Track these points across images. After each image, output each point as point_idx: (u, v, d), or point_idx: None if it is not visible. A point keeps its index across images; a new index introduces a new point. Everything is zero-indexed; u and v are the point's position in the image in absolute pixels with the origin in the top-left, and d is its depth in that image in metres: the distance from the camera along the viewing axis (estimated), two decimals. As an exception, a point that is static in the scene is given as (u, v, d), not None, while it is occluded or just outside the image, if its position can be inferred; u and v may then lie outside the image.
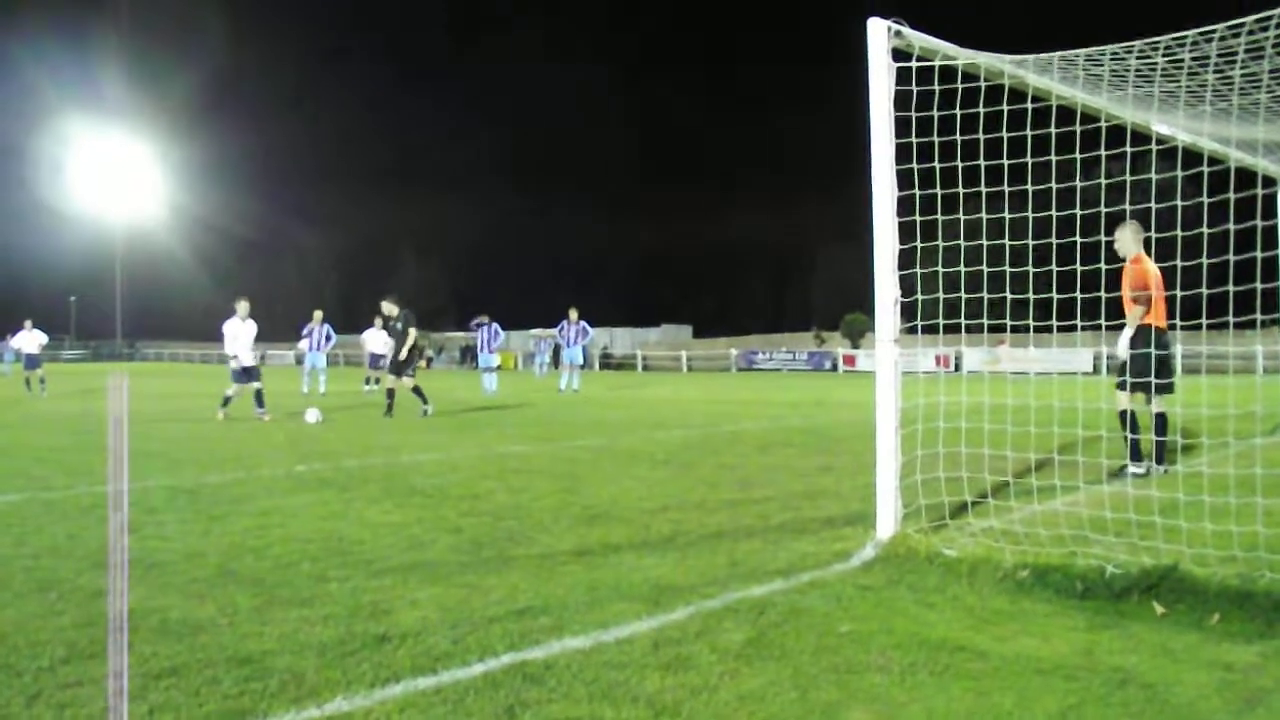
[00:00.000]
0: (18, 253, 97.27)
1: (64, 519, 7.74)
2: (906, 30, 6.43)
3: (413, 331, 19.23)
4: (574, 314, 29.50)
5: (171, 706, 3.77)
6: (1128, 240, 9.15)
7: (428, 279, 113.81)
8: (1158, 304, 9.10)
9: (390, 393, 19.56)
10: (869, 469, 6.75)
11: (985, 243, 6.80)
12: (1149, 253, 9.27)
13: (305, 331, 29.66)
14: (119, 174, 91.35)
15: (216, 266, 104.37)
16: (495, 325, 29.35)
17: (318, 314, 29.69)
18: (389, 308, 19.81)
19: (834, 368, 54.34)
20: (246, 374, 18.41)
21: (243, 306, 18.60)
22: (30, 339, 29.41)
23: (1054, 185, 6.64)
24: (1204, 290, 6.32)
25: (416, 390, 19.15)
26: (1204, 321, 6.32)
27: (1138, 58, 6.56)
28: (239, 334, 18.43)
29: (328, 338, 29.87)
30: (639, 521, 7.57)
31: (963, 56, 6.56)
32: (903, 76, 6.44)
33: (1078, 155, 6.54)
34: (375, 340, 30.34)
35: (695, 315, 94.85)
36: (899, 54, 6.47)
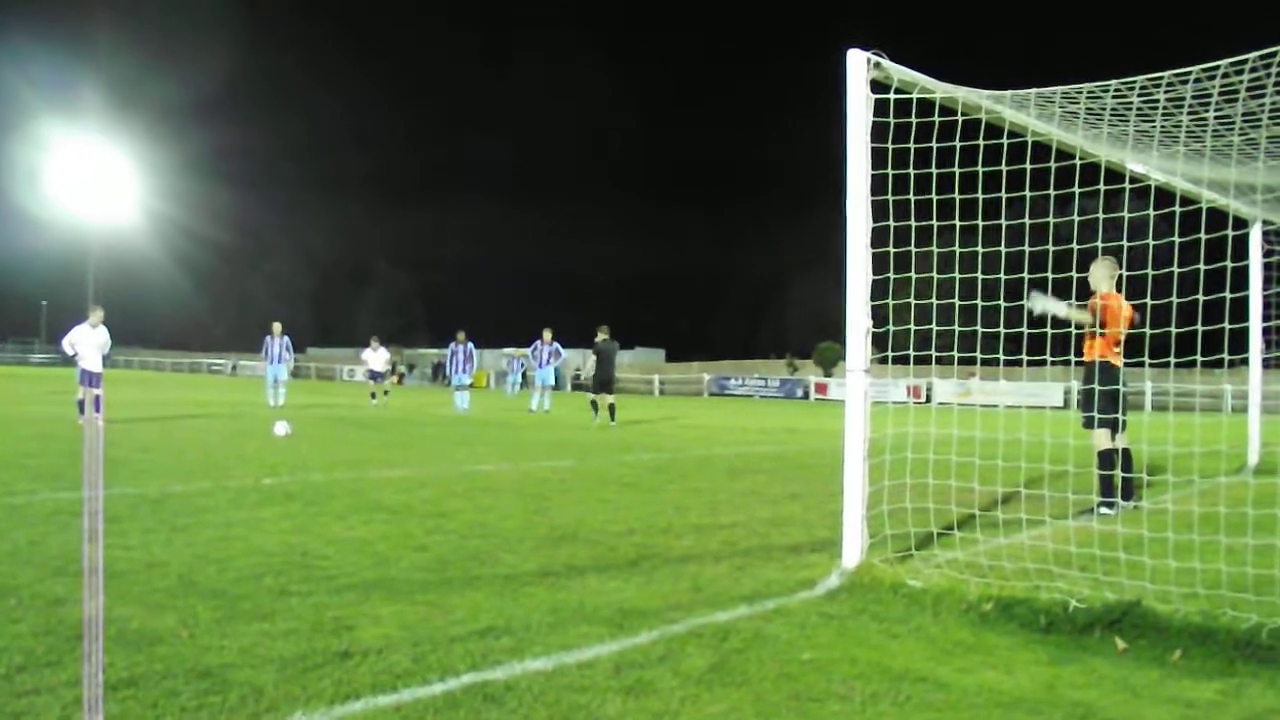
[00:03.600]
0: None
1: (26, 525, 7.64)
2: (885, 62, 6.46)
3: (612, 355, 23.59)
4: (548, 335, 29.55)
5: (129, 718, 3.72)
6: (1100, 276, 9.19)
7: (402, 293, 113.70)
8: (1115, 340, 9.17)
9: (610, 407, 23.00)
10: (837, 498, 6.75)
11: (958, 275, 6.84)
12: (1120, 290, 9.33)
13: (265, 347, 29.59)
14: (94, 178, 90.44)
15: (190, 275, 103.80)
16: (470, 345, 29.84)
17: (276, 326, 29.77)
18: (603, 334, 23.39)
19: (806, 395, 54.43)
20: (91, 378, 18.93)
21: (96, 314, 19.18)
22: None
23: (1028, 220, 6.69)
24: (1173, 329, 6.39)
25: (611, 407, 22.95)
26: (1172, 360, 6.38)
27: (1114, 97, 6.63)
28: (84, 339, 18.99)
29: (287, 349, 29.84)
30: (605, 544, 7.55)
31: (941, 90, 6.61)
32: (880, 108, 6.47)
33: (1052, 191, 6.59)
34: (376, 359, 33.07)
35: (669, 339, 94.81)
36: (877, 85, 6.49)
